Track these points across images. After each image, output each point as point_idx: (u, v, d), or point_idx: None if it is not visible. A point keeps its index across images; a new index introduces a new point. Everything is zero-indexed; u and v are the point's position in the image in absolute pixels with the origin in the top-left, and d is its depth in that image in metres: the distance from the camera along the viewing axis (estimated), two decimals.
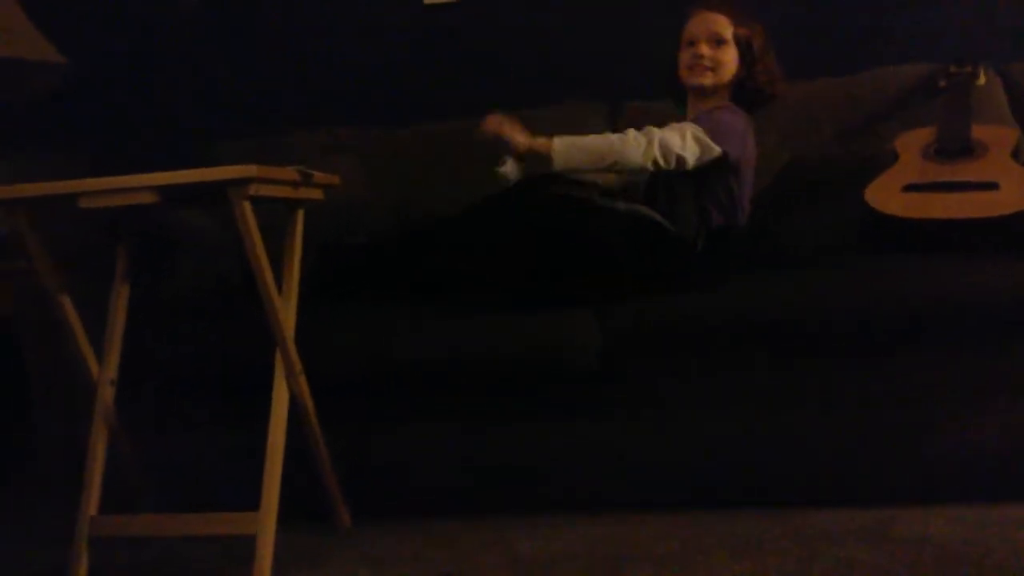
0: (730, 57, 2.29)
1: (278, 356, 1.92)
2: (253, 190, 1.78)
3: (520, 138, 2.15)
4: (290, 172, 1.94)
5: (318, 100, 3.10)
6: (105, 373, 1.99)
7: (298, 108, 3.10)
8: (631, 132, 2.17)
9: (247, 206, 1.80)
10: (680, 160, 2.16)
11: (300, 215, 2.04)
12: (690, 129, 2.19)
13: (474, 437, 2.08)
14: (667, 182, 2.25)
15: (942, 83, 2.52)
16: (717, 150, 2.19)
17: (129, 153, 3.03)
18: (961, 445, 1.91)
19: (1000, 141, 2.27)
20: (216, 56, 3.14)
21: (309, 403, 1.98)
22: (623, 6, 2.92)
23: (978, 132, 2.30)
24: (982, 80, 2.49)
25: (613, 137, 2.17)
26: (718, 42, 2.28)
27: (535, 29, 2.97)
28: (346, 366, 2.08)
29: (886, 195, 2.17)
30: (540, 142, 2.15)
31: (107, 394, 1.99)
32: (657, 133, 2.16)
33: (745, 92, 2.32)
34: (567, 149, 2.14)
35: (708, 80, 2.29)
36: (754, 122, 2.35)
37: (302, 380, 1.95)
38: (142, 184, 1.79)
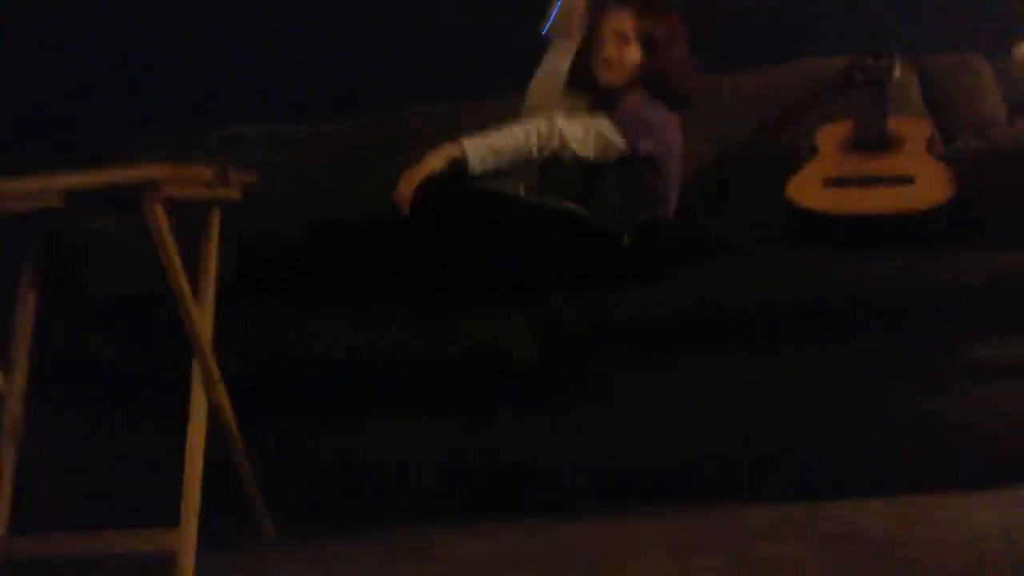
0: (633, 54, 2.28)
1: (195, 365, 1.86)
2: (165, 190, 1.71)
3: (429, 163, 2.14)
4: (204, 171, 1.87)
5: (241, 90, 2.98)
6: (13, 385, 1.90)
7: (221, 99, 2.98)
8: (536, 124, 2.17)
9: (159, 209, 1.72)
10: (574, 155, 2.18)
11: (216, 216, 1.98)
12: (596, 125, 2.20)
13: (406, 440, 2.04)
14: (589, 177, 2.25)
15: (858, 76, 2.54)
16: (620, 145, 2.20)
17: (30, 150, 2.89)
18: (883, 437, 1.94)
19: (915, 134, 2.30)
20: (134, 37, 2.98)
21: (229, 412, 1.92)
22: None
23: (894, 125, 2.33)
24: (897, 73, 2.51)
25: (518, 131, 2.17)
26: (623, 39, 2.27)
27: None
28: (267, 372, 2.03)
29: (807, 189, 2.19)
30: (448, 150, 2.15)
31: (15, 408, 1.90)
32: (560, 124, 2.17)
33: (655, 85, 2.31)
34: (479, 152, 2.14)
35: (612, 79, 2.29)
36: (682, 116, 2.34)
37: (221, 388, 1.89)
38: (48, 187, 1.71)
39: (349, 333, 2.05)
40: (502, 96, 2.52)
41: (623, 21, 2.27)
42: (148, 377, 2.02)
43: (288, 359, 2.04)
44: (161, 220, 1.72)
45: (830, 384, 1.97)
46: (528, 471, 2.02)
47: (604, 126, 2.20)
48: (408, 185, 2.13)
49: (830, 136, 2.35)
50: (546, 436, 2.02)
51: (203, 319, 1.90)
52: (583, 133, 2.18)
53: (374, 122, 2.74)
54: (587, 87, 2.34)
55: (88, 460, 2.06)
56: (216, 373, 1.88)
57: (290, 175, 2.61)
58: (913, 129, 2.33)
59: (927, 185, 2.11)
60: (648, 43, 2.28)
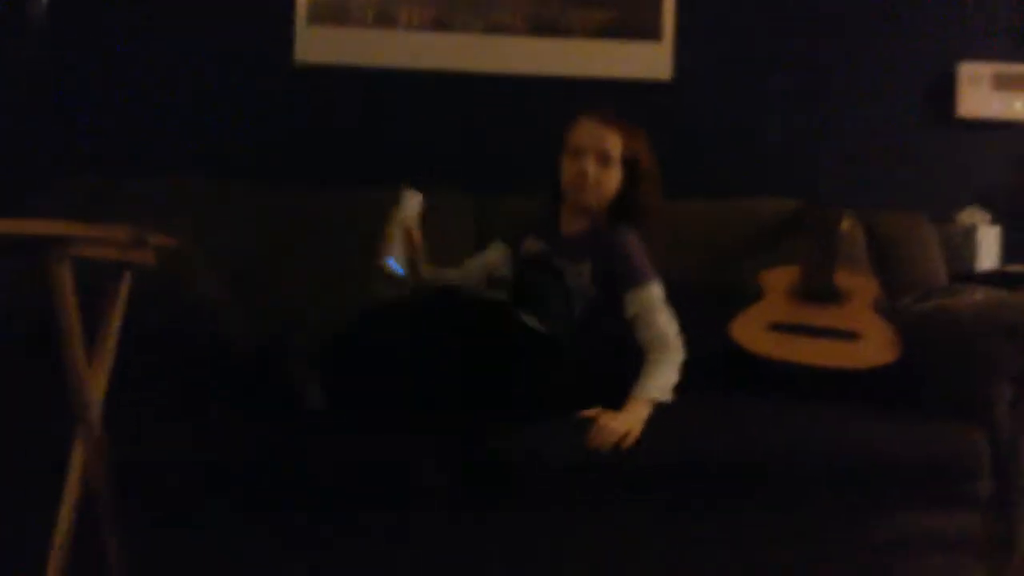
0: (615, 177, 2.15)
1: (77, 437, 1.68)
2: (74, 250, 1.56)
3: (634, 432, 1.88)
4: (121, 231, 1.72)
5: (170, 147, 2.84)
6: None
7: (148, 153, 2.83)
8: (671, 349, 2.02)
9: (66, 267, 1.57)
10: None
11: (126, 279, 1.83)
12: (663, 305, 2.07)
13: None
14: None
15: (808, 222, 2.53)
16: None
17: None
18: None
19: (862, 291, 2.28)
20: (66, 88, 2.83)
21: (107, 493, 1.72)
22: (501, 98, 2.85)
23: (842, 278, 2.30)
24: (845, 225, 2.51)
25: (670, 368, 2.00)
26: (605, 159, 2.13)
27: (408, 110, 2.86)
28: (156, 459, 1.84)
29: (751, 332, 2.13)
30: (638, 412, 1.92)
31: None
32: (672, 332, 2.03)
33: (623, 210, 2.19)
34: (664, 397, 1.97)
35: (592, 200, 2.15)
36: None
37: (103, 466, 1.71)
38: None
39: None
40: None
41: (608, 141, 2.13)
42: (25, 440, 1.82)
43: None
44: (64, 279, 1.57)
45: (751, 537, 1.89)
46: None
47: (662, 298, 2.08)
48: (610, 439, 1.88)
49: (777, 280, 2.32)
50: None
51: (95, 387, 1.74)
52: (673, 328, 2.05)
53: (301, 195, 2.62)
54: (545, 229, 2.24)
55: None
56: (102, 449, 1.70)
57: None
58: (860, 285, 2.31)
59: (872, 344, 2.08)
60: (631, 168, 2.16)
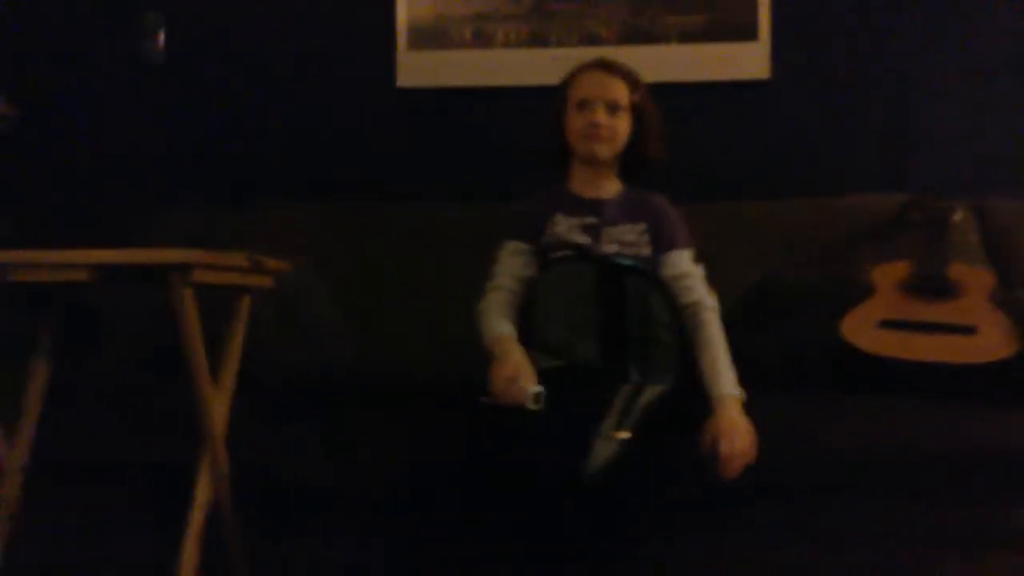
0: (625, 125, 2.12)
1: (204, 455, 1.77)
2: (196, 276, 1.65)
3: (754, 442, 1.79)
4: (239, 258, 1.81)
5: (280, 176, 2.96)
6: (15, 460, 1.81)
7: (255, 181, 2.96)
8: (715, 311, 1.98)
9: (188, 292, 1.66)
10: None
11: (246, 302, 1.92)
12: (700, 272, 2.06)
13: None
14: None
15: (917, 216, 2.47)
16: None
17: (57, 214, 2.85)
18: None
19: (978, 283, 2.21)
20: (178, 119, 2.98)
21: (231, 512, 1.81)
22: None
23: (955, 272, 2.24)
24: (957, 217, 2.44)
25: (726, 350, 1.92)
26: (614, 109, 2.10)
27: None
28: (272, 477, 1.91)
29: (862, 330, 2.09)
30: (742, 421, 1.80)
31: (14, 482, 1.81)
32: (712, 298, 2.01)
33: (634, 160, 2.17)
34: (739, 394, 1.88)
35: (605, 150, 2.11)
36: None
37: (226, 484, 1.79)
38: (79, 261, 1.65)
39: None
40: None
41: (616, 90, 2.10)
42: (152, 462, 1.92)
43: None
44: (188, 303, 1.65)
45: (853, 539, 1.86)
46: None
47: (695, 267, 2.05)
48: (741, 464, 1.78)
49: (887, 276, 2.27)
50: None
51: (218, 408, 1.82)
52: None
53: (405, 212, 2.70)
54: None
55: (81, 542, 1.95)
56: (225, 468, 1.78)
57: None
58: (976, 277, 2.23)
59: (990, 338, 2.01)
60: (640, 118, 2.13)
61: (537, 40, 2.92)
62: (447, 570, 1.85)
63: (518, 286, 2.05)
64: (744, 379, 1.89)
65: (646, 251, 2.06)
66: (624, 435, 1.70)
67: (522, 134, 2.86)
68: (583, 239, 2.05)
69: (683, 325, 1.97)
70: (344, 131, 2.95)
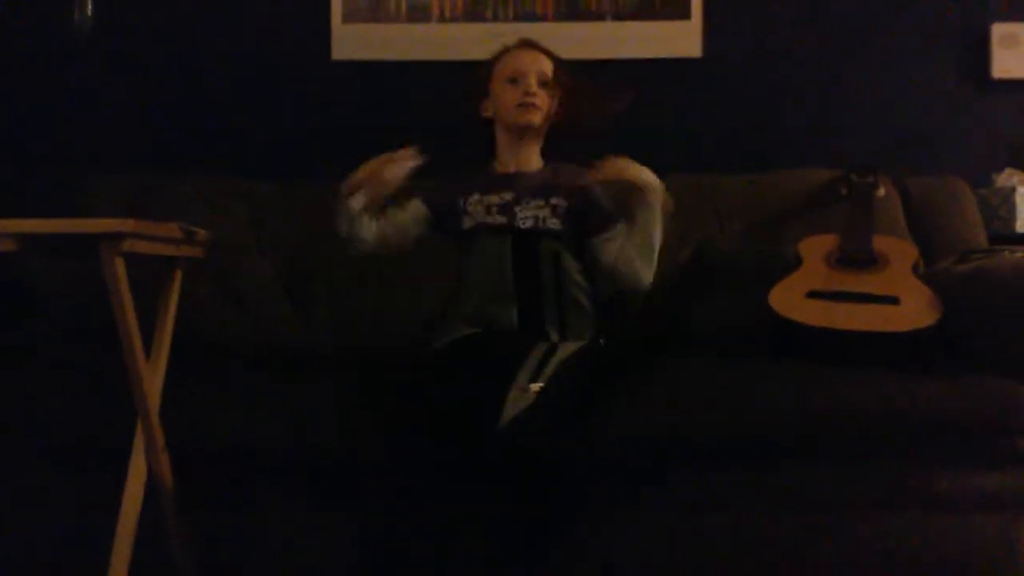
0: (552, 99, 2.24)
1: (138, 428, 1.75)
2: (127, 246, 1.63)
3: (646, 173, 2.10)
4: (171, 228, 1.79)
5: (210, 146, 2.91)
6: None
7: (188, 152, 2.91)
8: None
9: (119, 262, 1.63)
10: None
11: (178, 274, 1.89)
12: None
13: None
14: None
15: (843, 191, 2.53)
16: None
17: None
18: (837, 563, 1.87)
19: (901, 255, 2.28)
20: (106, 87, 2.92)
21: (169, 483, 1.80)
22: None
23: (879, 244, 2.30)
24: (882, 192, 2.51)
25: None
26: (543, 82, 2.22)
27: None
28: (211, 446, 1.90)
29: (790, 300, 2.14)
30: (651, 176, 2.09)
31: None
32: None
33: (564, 132, 2.27)
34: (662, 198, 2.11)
35: (537, 119, 2.22)
36: None
37: (164, 457, 1.78)
38: (6, 230, 1.61)
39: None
40: None
41: (544, 64, 2.23)
42: (87, 438, 1.90)
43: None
44: (120, 273, 1.63)
45: (788, 504, 1.91)
46: None
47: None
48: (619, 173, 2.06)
49: (814, 248, 2.32)
50: None
51: (153, 380, 1.80)
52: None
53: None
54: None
55: (16, 520, 1.92)
56: (161, 440, 1.77)
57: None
58: (899, 249, 2.30)
59: (913, 307, 2.07)
60: (564, 89, 2.24)
61: (473, 15, 2.92)
62: (396, 534, 1.86)
63: (391, 228, 2.19)
64: (679, 347, 1.97)
65: (556, 224, 2.14)
66: (537, 387, 1.76)
67: (457, 108, 2.89)
68: (499, 219, 2.15)
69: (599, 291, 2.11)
70: (279, 103, 2.92)
